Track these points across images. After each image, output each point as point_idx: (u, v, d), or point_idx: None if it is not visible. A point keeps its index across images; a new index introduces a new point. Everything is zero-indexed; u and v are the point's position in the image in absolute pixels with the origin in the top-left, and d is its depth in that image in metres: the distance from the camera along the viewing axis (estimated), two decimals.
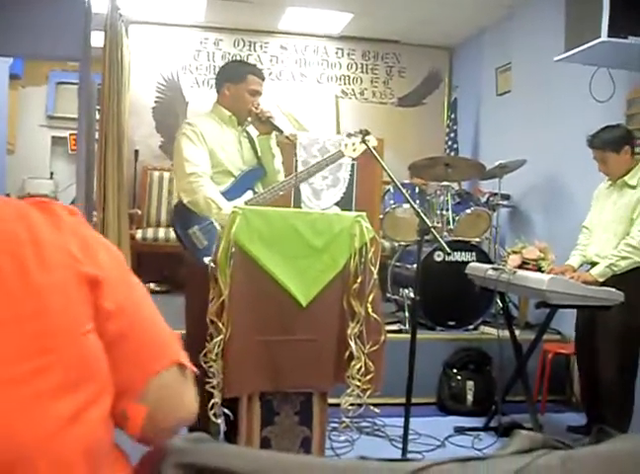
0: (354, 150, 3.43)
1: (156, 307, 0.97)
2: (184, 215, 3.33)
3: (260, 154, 3.55)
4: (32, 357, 0.75)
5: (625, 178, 3.81)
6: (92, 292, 0.83)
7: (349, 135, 3.43)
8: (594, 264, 3.85)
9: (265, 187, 3.48)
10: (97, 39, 5.08)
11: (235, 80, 3.52)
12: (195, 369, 0.97)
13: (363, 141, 3.30)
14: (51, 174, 8.32)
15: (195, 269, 3.13)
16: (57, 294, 0.79)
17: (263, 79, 3.59)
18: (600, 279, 3.67)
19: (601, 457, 0.77)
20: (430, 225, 2.91)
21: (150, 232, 6.21)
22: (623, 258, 3.65)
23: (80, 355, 0.79)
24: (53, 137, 8.40)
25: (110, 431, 0.83)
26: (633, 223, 3.70)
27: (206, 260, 3.11)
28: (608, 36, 3.79)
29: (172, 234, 6.07)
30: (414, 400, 3.10)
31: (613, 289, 3.51)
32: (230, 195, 3.35)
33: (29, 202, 0.89)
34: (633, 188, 3.76)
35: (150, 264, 5.98)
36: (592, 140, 3.88)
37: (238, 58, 6.94)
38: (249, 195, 3.42)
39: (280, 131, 3.47)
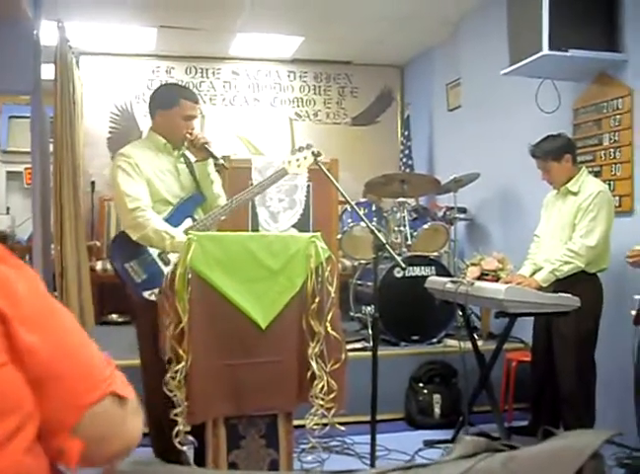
0: (298, 166, 3.35)
1: (86, 336, 0.95)
2: (122, 249, 3.26)
3: (198, 179, 3.45)
4: None
5: (568, 185, 3.90)
6: (3, 327, 0.82)
7: (293, 152, 3.39)
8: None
9: (205, 212, 3.40)
10: (48, 71, 5.06)
11: (167, 106, 3.40)
12: (132, 396, 0.96)
13: (315, 160, 3.29)
14: (7, 209, 8.21)
15: (137, 303, 3.12)
16: None
17: (196, 102, 3.46)
18: (544, 285, 3.75)
19: (542, 455, 0.80)
20: (384, 241, 2.94)
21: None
22: (565, 262, 3.73)
23: None
24: (8, 172, 8.31)
25: (39, 459, 0.83)
26: (575, 229, 3.79)
27: (146, 294, 3.10)
28: (549, 49, 3.90)
29: None
30: (382, 416, 3.13)
31: (569, 296, 3.58)
32: (170, 223, 3.26)
33: None
34: (575, 194, 3.86)
35: (112, 295, 5.92)
36: (533, 150, 3.98)
37: (191, 86, 6.95)
38: (188, 222, 3.33)
39: (216, 158, 3.39)
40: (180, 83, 6.92)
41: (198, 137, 3.37)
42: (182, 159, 3.48)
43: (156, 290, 3.00)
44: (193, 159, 3.47)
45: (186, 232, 3.12)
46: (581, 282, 3.74)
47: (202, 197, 3.46)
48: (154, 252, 3.23)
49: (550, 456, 0.80)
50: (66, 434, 0.86)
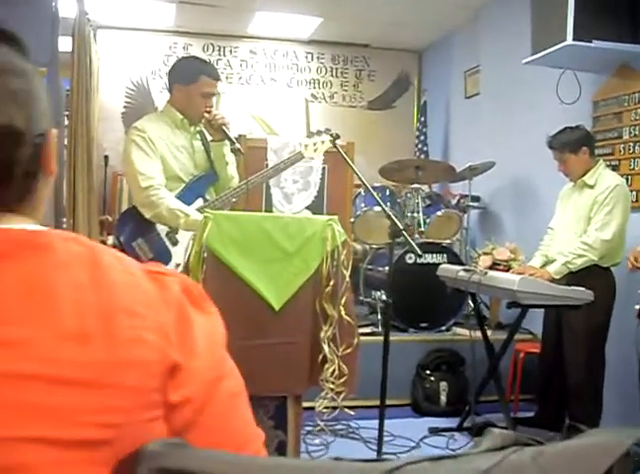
0: (315, 150, 3.29)
1: (247, 405, 0.91)
2: (130, 226, 3.21)
3: (213, 159, 3.38)
4: (89, 427, 0.72)
5: (584, 178, 3.88)
6: (171, 379, 0.79)
7: (310, 135, 3.32)
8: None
9: (218, 192, 3.34)
10: (65, 43, 5.03)
11: (186, 81, 3.30)
12: None
13: (333, 143, 3.25)
14: None
15: None
16: (135, 373, 0.76)
17: (217, 79, 3.37)
18: (556, 277, 3.74)
19: (572, 452, 0.78)
20: (401, 227, 2.92)
21: None
22: (579, 255, 3.71)
23: (140, 439, 0.75)
24: None
25: None
26: (590, 222, 3.77)
27: None
28: (573, 39, 3.86)
29: None
30: (388, 402, 3.11)
31: (583, 289, 3.56)
32: (181, 201, 3.21)
33: (143, 270, 0.85)
34: (591, 187, 3.84)
35: None
36: (551, 141, 3.95)
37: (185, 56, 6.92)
38: (199, 202, 3.28)
39: (232, 141, 3.28)
40: (199, 57, 6.90)
41: (216, 117, 3.28)
42: (198, 136, 3.40)
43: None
44: (209, 138, 3.40)
45: (198, 211, 3.10)
46: (594, 276, 3.72)
47: (216, 176, 3.38)
48: (162, 231, 3.19)
49: (580, 453, 0.78)
50: None
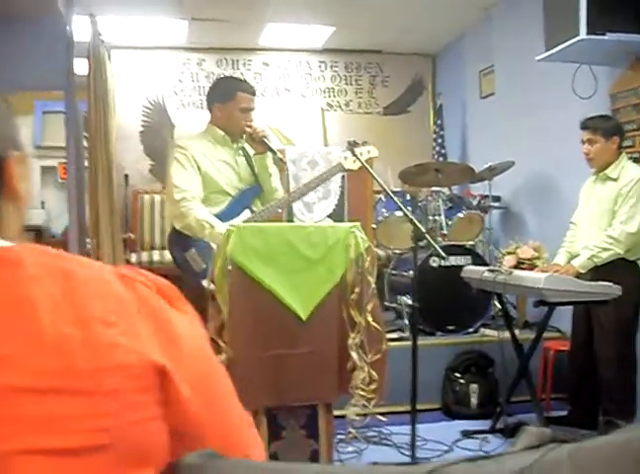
0: (354, 162, 3.39)
1: (236, 398, 0.94)
2: (179, 239, 3.32)
3: (257, 172, 3.51)
4: (83, 433, 0.74)
5: (607, 171, 3.84)
6: (160, 379, 0.80)
7: (350, 147, 3.39)
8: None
9: (263, 204, 3.46)
10: (80, 66, 5.09)
11: (224, 99, 3.47)
12: (263, 457, 0.95)
13: (354, 154, 3.29)
14: (42, 203, 8.30)
15: (195, 293, 3.14)
16: (117, 377, 0.77)
17: (253, 94, 3.52)
18: (582, 271, 3.71)
19: (610, 448, 0.78)
20: (424, 231, 2.92)
21: (145, 256, 6.21)
22: (604, 249, 3.68)
23: (136, 440, 0.77)
24: (42, 167, 8.39)
25: None
26: (615, 215, 3.73)
27: (205, 282, 3.13)
28: (587, 33, 3.84)
29: (167, 256, 6.09)
30: (419, 406, 3.10)
31: (610, 284, 3.53)
32: (228, 214, 3.34)
33: (116, 275, 0.86)
34: (615, 180, 3.80)
35: None
36: (585, 122, 3.92)
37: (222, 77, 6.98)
38: (246, 213, 3.40)
39: (273, 152, 3.43)
40: (211, 75, 6.95)
41: (256, 130, 3.42)
42: (240, 152, 3.54)
43: None
44: (251, 152, 3.52)
45: (245, 222, 3.26)
46: (620, 270, 3.69)
47: (261, 188, 3.52)
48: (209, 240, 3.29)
49: (618, 448, 0.77)
50: None
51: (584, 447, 0.79)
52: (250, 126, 3.43)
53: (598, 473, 0.71)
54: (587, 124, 3.90)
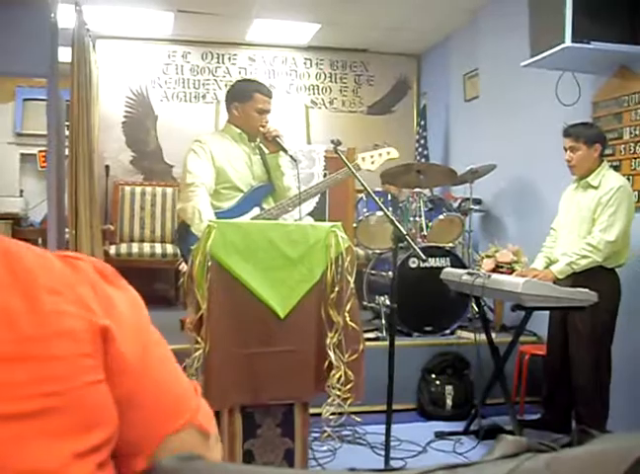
0: (372, 163, 3.55)
1: (177, 365, 0.95)
2: (185, 231, 3.38)
3: (270, 170, 3.62)
4: (34, 398, 0.74)
5: (588, 179, 3.86)
6: (104, 344, 0.81)
7: (375, 147, 3.51)
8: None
9: (275, 202, 3.56)
10: (64, 54, 5.05)
11: (242, 99, 3.60)
12: (215, 430, 0.95)
13: (335, 150, 3.30)
14: (21, 191, 8.23)
15: None
16: (65, 342, 0.78)
17: (270, 96, 3.65)
18: (560, 276, 3.74)
19: (586, 458, 0.78)
20: (404, 232, 2.92)
21: (124, 247, 6.18)
22: (583, 256, 3.71)
23: (88, 403, 0.78)
24: (22, 154, 8.32)
25: None
26: (595, 223, 3.76)
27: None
28: (572, 41, 3.86)
29: (146, 249, 6.07)
30: (394, 406, 3.11)
31: (587, 290, 3.56)
32: (237, 210, 3.44)
33: (57, 256, 0.87)
34: (595, 188, 3.82)
35: (125, 279, 5.92)
36: (568, 129, 3.92)
37: (207, 71, 6.96)
38: (256, 211, 3.50)
39: (285, 151, 3.51)
40: (196, 68, 6.92)
41: (270, 130, 3.55)
42: (257, 150, 3.66)
43: None
44: (267, 152, 3.64)
45: (254, 219, 3.38)
46: (598, 277, 3.72)
47: (273, 187, 3.63)
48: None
49: (595, 458, 0.78)
50: (141, 459, 0.85)
51: (561, 457, 0.80)
52: (264, 126, 3.56)
53: None
54: (569, 132, 3.91)
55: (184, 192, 3.41)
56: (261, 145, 3.66)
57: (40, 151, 7.58)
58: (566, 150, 3.91)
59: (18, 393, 0.74)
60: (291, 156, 3.48)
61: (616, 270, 3.77)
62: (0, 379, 0.74)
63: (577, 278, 3.72)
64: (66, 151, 5.33)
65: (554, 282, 3.68)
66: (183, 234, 3.45)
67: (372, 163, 3.54)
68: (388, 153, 3.67)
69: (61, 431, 0.76)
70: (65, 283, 0.82)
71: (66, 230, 5.19)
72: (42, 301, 0.78)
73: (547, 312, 4.03)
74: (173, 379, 0.94)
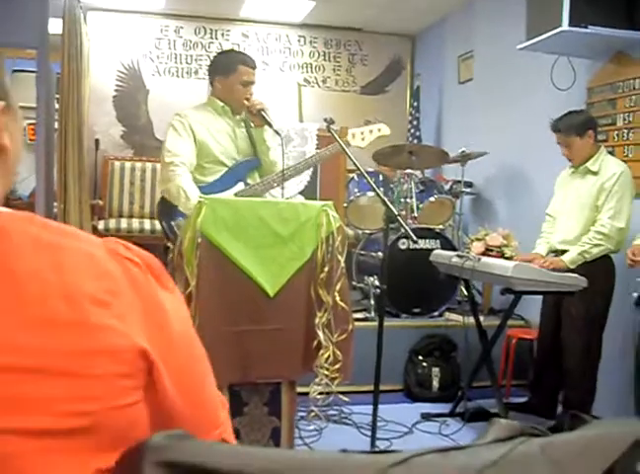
0: (362, 139, 3.46)
1: (211, 374, 0.93)
2: (167, 207, 3.32)
3: (255, 144, 3.53)
4: (68, 416, 0.72)
5: (587, 164, 3.83)
6: (145, 363, 0.78)
7: (366, 123, 3.45)
8: (558, 251, 3.89)
9: (261, 177, 3.48)
10: (55, 26, 4.98)
11: (225, 72, 3.49)
12: (234, 442, 0.95)
13: (328, 128, 3.26)
14: None
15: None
16: (105, 361, 0.74)
17: (254, 68, 3.55)
18: (572, 266, 3.71)
19: (580, 441, 0.78)
20: (396, 213, 2.91)
21: (113, 223, 6.14)
22: (595, 245, 3.68)
23: (119, 424, 0.76)
24: None
25: None
26: (599, 210, 3.73)
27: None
28: (569, 25, 3.84)
29: (135, 225, 6.03)
30: (380, 387, 3.11)
31: (577, 275, 3.56)
32: (221, 185, 3.36)
33: (106, 250, 0.81)
34: (595, 174, 3.79)
35: None
36: (556, 124, 3.89)
37: (200, 46, 6.89)
38: (240, 186, 3.41)
39: (270, 125, 3.42)
40: (189, 43, 6.85)
41: (254, 103, 3.44)
42: (242, 123, 3.55)
43: None
44: (252, 125, 3.54)
45: (236, 195, 3.29)
46: (594, 262, 3.71)
47: (259, 162, 3.53)
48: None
49: (589, 443, 0.77)
50: None
51: (555, 442, 0.79)
52: (248, 99, 3.45)
53: (572, 467, 0.71)
54: (558, 127, 3.87)
55: (164, 170, 3.33)
56: (247, 120, 3.56)
57: (29, 124, 7.48)
58: (559, 144, 3.89)
59: (53, 409, 0.71)
60: (276, 130, 3.40)
61: (612, 256, 3.76)
62: (38, 393, 0.71)
63: (579, 265, 3.71)
64: (56, 124, 5.27)
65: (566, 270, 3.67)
66: (164, 211, 3.38)
67: (363, 140, 3.47)
68: (379, 130, 3.58)
69: (88, 448, 0.74)
70: (116, 293, 0.78)
71: (55, 204, 5.15)
72: (88, 312, 0.74)
73: (536, 296, 4.03)
74: (208, 396, 0.92)
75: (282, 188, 3.33)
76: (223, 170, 3.43)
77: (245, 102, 3.45)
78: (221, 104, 3.50)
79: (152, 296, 0.82)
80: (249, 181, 3.48)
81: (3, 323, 0.70)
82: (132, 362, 0.76)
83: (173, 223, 3.29)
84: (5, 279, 0.72)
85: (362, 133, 3.49)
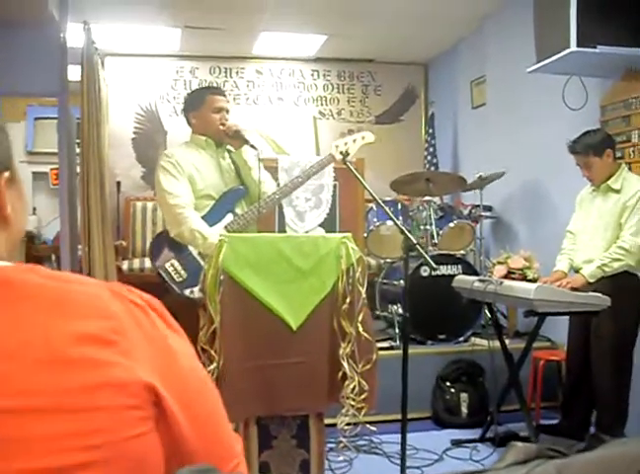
0: (347, 151, 3.41)
1: (223, 410, 0.94)
2: (162, 248, 3.34)
3: (238, 168, 3.55)
4: (77, 451, 0.74)
5: (609, 182, 3.82)
6: (154, 397, 0.80)
7: (349, 132, 3.43)
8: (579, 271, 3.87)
9: (252, 203, 3.47)
10: (74, 72, 5.09)
11: (197, 106, 3.56)
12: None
13: (343, 161, 3.29)
14: (34, 209, 8.29)
15: (177, 302, 3.15)
16: (111, 393, 0.76)
17: (223, 95, 3.62)
18: (591, 280, 3.68)
19: (596, 463, 0.79)
20: (414, 241, 2.93)
21: (137, 263, 6.20)
22: (616, 259, 3.66)
23: (130, 455, 0.77)
24: (34, 172, 8.38)
25: None
26: (622, 228, 3.71)
27: (187, 291, 3.15)
28: (577, 46, 3.86)
29: None
30: (409, 415, 3.10)
31: (600, 295, 3.54)
32: (210, 219, 3.37)
33: (110, 292, 0.84)
34: (617, 192, 3.77)
35: None
36: (573, 146, 3.88)
37: (215, 85, 7.00)
38: (229, 217, 3.41)
39: (247, 142, 3.46)
40: (204, 83, 6.97)
41: (229, 126, 3.49)
42: (226, 154, 3.59)
43: (196, 288, 3.06)
44: (233, 150, 3.56)
45: (227, 227, 3.28)
46: (621, 281, 3.68)
47: (245, 189, 3.54)
48: (194, 250, 3.32)
49: (605, 464, 0.79)
50: None
51: (571, 463, 0.80)
52: (224, 125, 3.50)
53: None
54: (575, 148, 3.86)
55: (169, 214, 3.34)
56: (228, 147, 3.58)
57: (52, 169, 7.64)
58: (579, 166, 3.88)
59: (59, 446, 0.73)
60: (252, 145, 3.44)
61: (638, 274, 3.73)
62: (42, 432, 0.72)
63: (599, 282, 3.69)
64: (77, 168, 5.37)
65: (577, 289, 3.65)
66: (156, 250, 3.38)
67: (347, 151, 3.39)
68: (363, 138, 3.57)
69: None
70: (118, 332, 0.80)
71: (79, 247, 5.22)
72: (91, 350, 0.76)
73: (562, 317, 4.01)
74: (222, 429, 0.93)
75: (259, 213, 3.33)
76: (211, 203, 3.43)
77: (221, 127, 3.49)
78: (203, 138, 3.54)
79: (158, 334, 0.85)
80: (237, 211, 3.47)
81: (8, 368, 0.73)
82: (139, 394, 0.78)
83: (167, 264, 3.30)
84: (9, 326, 0.76)
85: (346, 144, 3.46)
